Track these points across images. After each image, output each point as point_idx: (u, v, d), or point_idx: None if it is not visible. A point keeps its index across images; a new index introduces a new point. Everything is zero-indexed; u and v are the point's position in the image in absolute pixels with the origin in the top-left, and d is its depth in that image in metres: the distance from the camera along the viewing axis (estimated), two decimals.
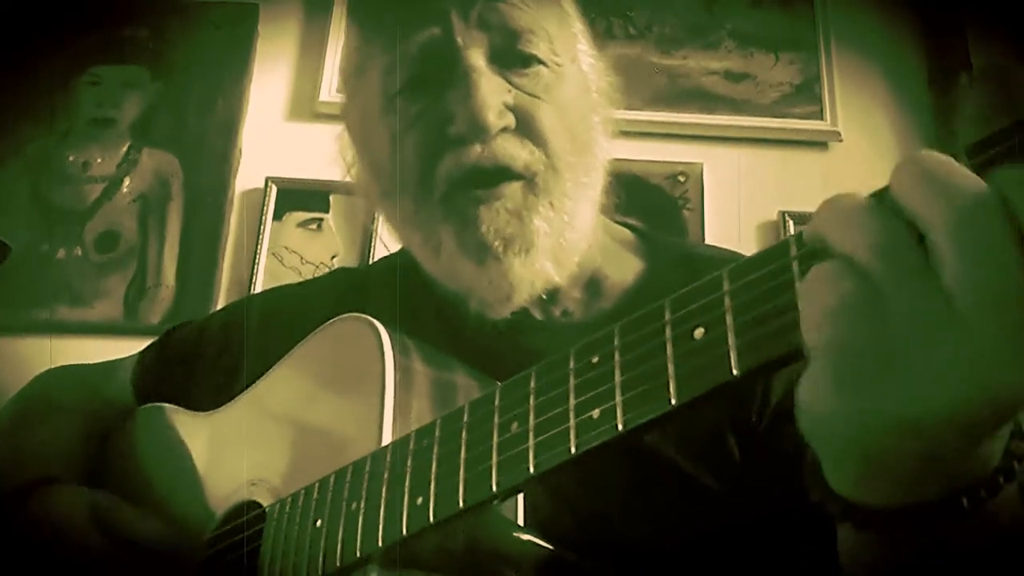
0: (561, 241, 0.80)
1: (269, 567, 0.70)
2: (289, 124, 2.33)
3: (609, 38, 2.35)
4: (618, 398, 0.48)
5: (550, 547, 0.65)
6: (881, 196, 0.39)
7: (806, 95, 2.30)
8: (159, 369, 1.02)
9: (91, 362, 1.10)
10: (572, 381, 0.51)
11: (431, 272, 0.86)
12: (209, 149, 2.30)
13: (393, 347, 0.71)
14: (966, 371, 0.36)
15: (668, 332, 0.46)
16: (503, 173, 0.79)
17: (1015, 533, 0.46)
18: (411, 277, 0.89)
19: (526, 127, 0.80)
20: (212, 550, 0.80)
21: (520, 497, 0.68)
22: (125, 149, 2.31)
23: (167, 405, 0.95)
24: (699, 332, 0.44)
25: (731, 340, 0.42)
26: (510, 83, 0.81)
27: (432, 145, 0.80)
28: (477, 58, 0.79)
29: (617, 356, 0.49)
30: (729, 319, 0.43)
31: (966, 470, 0.42)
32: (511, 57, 0.81)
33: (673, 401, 0.45)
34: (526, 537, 0.64)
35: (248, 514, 0.77)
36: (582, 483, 0.72)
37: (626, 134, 2.37)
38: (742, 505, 0.73)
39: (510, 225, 0.78)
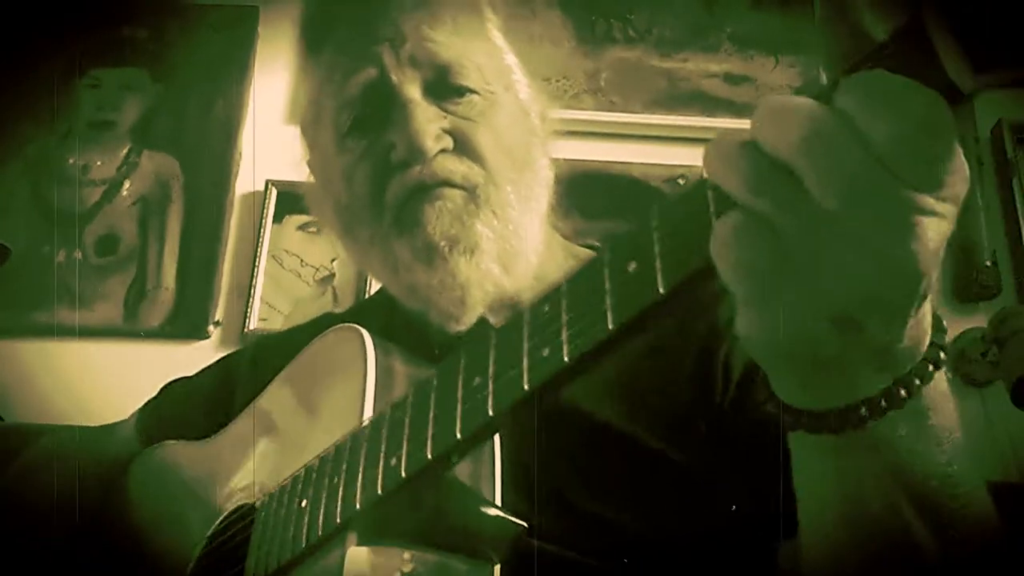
0: (507, 247, 0.85)
1: (257, 552, 0.73)
2: (289, 127, 2.32)
3: (609, 41, 2.35)
4: (564, 334, 0.51)
5: (524, 524, 0.66)
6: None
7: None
8: (162, 423, 1.05)
9: (91, 425, 1.13)
10: (526, 331, 0.55)
11: (395, 294, 0.90)
12: (209, 152, 2.30)
13: (375, 347, 0.73)
14: (863, 258, 0.40)
15: (606, 272, 0.50)
16: (444, 183, 0.84)
17: (948, 423, 0.51)
18: (390, 307, 0.93)
19: (463, 146, 0.85)
20: (207, 549, 0.82)
21: (499, 481, 0.70)
22: (125, 152, 2.32)
23: (165, 442, 0.98)
24: (632, 265, 0.48)
25: (657, 264, 0.46)
26: (445, 111, 0.86)
27: (379, 174, 0.86)
28: (412, 91, 0.85)
29: (564, 301, 0.52)
30: (656, 248, 0.47)
31: (898, 364, 0.47)
32: (444, 88, 0.87)
33: (611, 327, 0.48)
34: (494, 512, 0.65)
35: (241, 512, 0.79)
36: (557, 470, 0.76)
37: (626, 136, 2.37)
38: (709, 476, 0.77)
39: (453, 227, 0.83)
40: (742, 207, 0.42)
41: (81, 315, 2.14)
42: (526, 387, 0.53)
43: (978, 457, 0.52)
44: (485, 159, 0.85)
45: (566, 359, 0.51)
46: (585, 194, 2.03)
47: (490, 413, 0.55)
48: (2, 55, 2.34)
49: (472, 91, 0.87)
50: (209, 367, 1.14)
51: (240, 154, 2.29)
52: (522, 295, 0.89)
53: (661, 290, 0.45)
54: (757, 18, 2.39)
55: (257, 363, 1.02)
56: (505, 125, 0.88)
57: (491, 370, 0.56)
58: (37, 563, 0.90)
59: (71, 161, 2.30)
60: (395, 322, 0.92)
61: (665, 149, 2.26)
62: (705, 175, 0.44)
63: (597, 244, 1.03)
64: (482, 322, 0.86)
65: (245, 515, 0.78)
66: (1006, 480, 1.87)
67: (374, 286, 1.97)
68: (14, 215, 2.24)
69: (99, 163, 2.30)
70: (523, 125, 0.92)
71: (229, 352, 1.16)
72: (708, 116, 2.29)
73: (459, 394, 0.58)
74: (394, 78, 0.86)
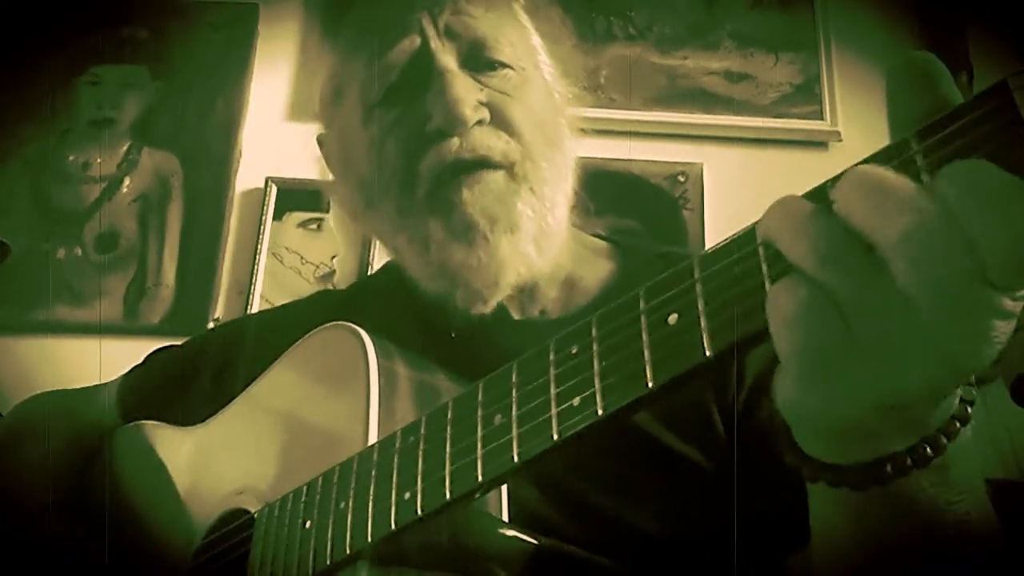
0: (543, 225, 0.84)
1: (259, 571, 0.71)
2: (289, 124, 2.32)
3: (609, 38, 2.35)
4: (597, 385, 0.49)
5: (536, 541, 0.65)
6: (819, 196, 0.42)
7: (806, 95, 2.30)
8: (144, 391, 1.04)
9: (72, 380, 1.11)
10: (552, 372, 0.52)
11: (417, 274, 0.88)
12: (209, 149, 2.30)
13: (376, 351, 0.72)
14: (932, 355, 0.39)
15: (643, 320, 0.48)
16: (483, 163, 0.82)
17: (970, 474, 0.50)
18: (394, 290, 0.92)
19: (500, 120, 0.84)
20: (201, 559, 0.80)
21: (505, 489, 0.68)
22: (125, 149, 2.31)
23: (148, 422, 0.96)
24: (673, 318, 0.46)
25: (703, 323, 0.44)
26: (482, 83, 0.85)
27: (413, 144, 0.84)
28: (450, 62, 0.85)
29: (595, 345, 0.50)
30: (701, 304, 0.45)
31: (927, 425, 0.46)
32: (480, 61, 0.86)
33: (650, 384, 0.46)
34: (511, 533, 0.65)
35: (237, 521, 0.78)
36: (574, 470, 0.74)
37: (626, 134, 2.38)
38: (729, 482, 0.75)
39: (495, 206, 0.81)
40: (806, 278, 0.40)
41: (81, 312, 2.14)
42: (555, 438, 0.51)
43: (979, 456, 0.52)
44: (521, 133, 0.84)
45: (600, 413, 0.49)
46: (585, 191, 2.03)
47: (515, 460, 0.53)
48: (2, 54, 2.34)
49: (507, 65, 0.87)
50: (200, 336, 1.13)
51: (240, 151, 2.29)
52: (540, 280, 0.88)
53: (708, 353, 0.44)
54: (757, 16, 2.39)
55: (253, 338, 1.00)
56: (537, 101, 0.88)
57: (514, 412, 0.54)
58: (17, 530, 0.89)
59: (71, 158, 2.30)
60: (395, 305, 0.91)
61: (665, 146, 2.25)
62: (763, 234, 0.42)
63: (602, 233, 1.02)
64: (502, 311, 0.85)
65: (242, 527, 0.76)
66: (1006, 478, 1.87)
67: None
68: (14, 212, 2.24)
69: (99, 160, 2.30)
70: (551, 103, 0.91)
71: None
72: (708, 113, 2.28)
73: (479, 432, 0.56)
74: (433, 46, 0.85)
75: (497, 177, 0.82)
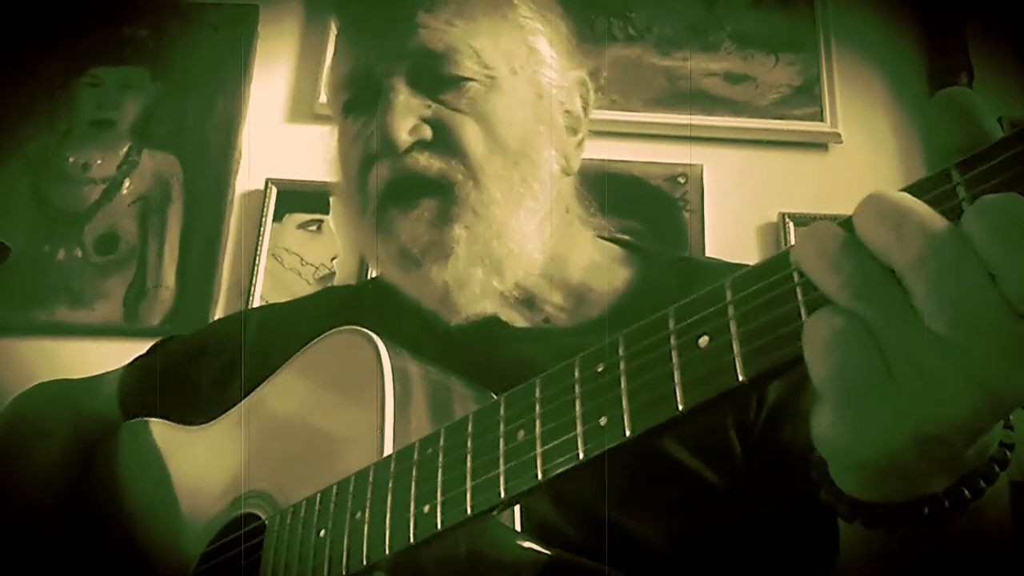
0: (489, 248, 0.82)
1: None
2: (289, 125, 2.33)
3: (609, 39, 2.35)
4: (625, 405, 0.49)
5: (550, 553, 0.65)
6: (852, 227, 0.41)
7: (806, 96, 2.30)
8: (145, 383, 1.03)
9: (75, 377, 1.10)
10: (578, 390, 0.52)
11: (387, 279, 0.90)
12: (209, 150, 2.30)
13: (390, 356, 0.72)
14: (970, 387, 0.38)
15: (673, 341, 0.47)
16: (419, 184, 0.82)
17: (1002, 530, 0.50)
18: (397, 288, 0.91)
19: (442, 140, 0.83)
20: (209, 563, 0.80)
21: (518, 510, 0.68)
22: (125, 150, 2.31)
23: (153, 420, 0.95)
24: (704, 340, 0.45)
25: (736, 348, 0.44)
26: (433, 99, 0.84)
27: (362, 162, 0.85)
28: (396, 81, 0.83)
29: (622, 365, 0.50)
30: (733, 327, 0.44)
31: (965, 466, 0.45)
32: (433, 78, 0.84)
33: (680, 407, 0.46)
34: (527, 545, 0.64)
35: (247, 527, 0.77)
36: (588, 482, 0.73)
37: (626, 135, 2.37)
38: (744, 501, 0.75)
39: (428, 234, 0.81)
40: (842, 309, 0.40)
41: (81, 314, 2.14)
42: (580, 457, 0.50)
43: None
44: (468, 153, 0.82)
45: (628, 434, 0.48)
46: (585, 193, 2.03)
47: (539, 478, 0.52)
48: (2, 54, 2.34)
49: (465, 79, 0.84)
50: (204, 329, 1.12)
51: (240, 153, 2.29)
52: (529, 283, 0.87)
53: (741, 378, 0.43)
54: (757, 17, 2.39)
55: (259, 333, 0.99)
56: (502, 111, 0.85)
57: (538, 428, 0.53)
58: (16, 521, 0.89)
59: (71, 160, 2.30)
60: (398, 302, 0.90)
61: (666, 147, 2.25)
62: (795, 262, 0.42)
63: (622, 237, 1.01)
64: (496, 320, 0.85)
65: (252, 533, 0.76)
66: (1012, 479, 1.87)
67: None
68: (14, 213, 2.23)
69: (99, 162, 2.30)
70: (530, 111, 0.87)
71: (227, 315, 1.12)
72: (708, 115, 2.28)
73: (501, 448, 0.55)
74: (379, 65, 0.84)
75: (433, 204, 0.82)
